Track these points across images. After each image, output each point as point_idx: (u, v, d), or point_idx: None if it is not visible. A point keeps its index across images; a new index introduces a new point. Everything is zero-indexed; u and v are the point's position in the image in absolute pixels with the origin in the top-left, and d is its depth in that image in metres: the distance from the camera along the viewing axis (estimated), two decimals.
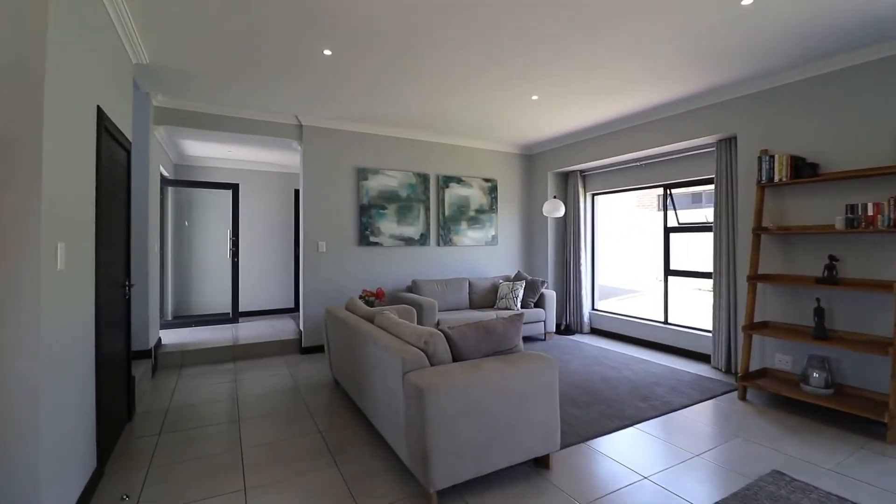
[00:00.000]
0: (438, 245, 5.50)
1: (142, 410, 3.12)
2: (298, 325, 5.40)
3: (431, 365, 2.17)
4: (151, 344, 3.97)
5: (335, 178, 4.86)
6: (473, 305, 5.31)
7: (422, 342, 2.22)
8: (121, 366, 2.77)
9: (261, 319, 6.10)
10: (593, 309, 5.88)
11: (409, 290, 5.15)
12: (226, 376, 3.93)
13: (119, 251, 2.72)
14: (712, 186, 4.30)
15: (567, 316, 5.89)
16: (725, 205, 4.09)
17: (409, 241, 5.26)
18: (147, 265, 3.87)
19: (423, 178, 5.37)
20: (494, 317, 4.82)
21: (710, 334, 4.40)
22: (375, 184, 5.06)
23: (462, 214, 5.66)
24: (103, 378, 2.31)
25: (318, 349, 4.76)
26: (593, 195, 5.95)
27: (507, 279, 5.61)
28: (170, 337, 4.87)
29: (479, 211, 5.80)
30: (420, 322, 4.33)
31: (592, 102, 4.18)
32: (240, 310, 6.05)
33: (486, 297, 5.37)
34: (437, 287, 5.10)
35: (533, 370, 2.25)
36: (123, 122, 2.80)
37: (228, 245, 5.66)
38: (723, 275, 4.10)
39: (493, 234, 5.91)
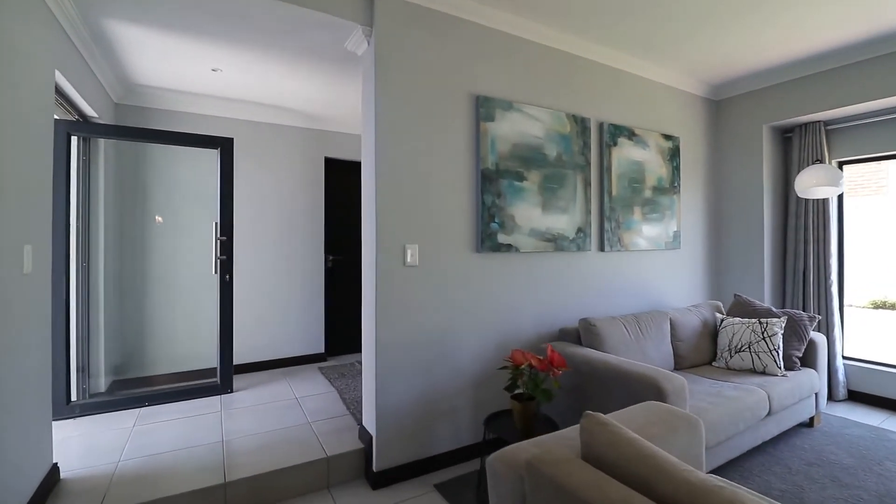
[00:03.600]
0: (602, 249, 3.01)
1: None
2: (356, 417, 2.89)
3: None
4: None
5: (435, 110, 2.36)
6: (682, 363, 2.83)
7: None
8: None
9: (272, 380, 3.55)
10: (843, 356, 3.45)
11: (576, 338, 2.64)
12: None
13: None
14: None
15: None
16: None
17: (557, 242, 2.78)
18: None
19: (582, 127, 2.90)
20: (764, 396, 2.36)
21: None
22: (508, 129, 2.57)
23: (635, 195, 3.19)
24: None
25: (406, 473, 2.24)
26: (839, 163, 3.52)
27: (716, 309, 3.15)
28: (91, 444, 2.32)
29: (658, 189, 3.34)
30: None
31: None
32: (235, 362, 3.51)
33: (699, 348, 2.90)
34: (629, 331, 2.61)
35: None
36: None
37: (214, 250, 3.11)
38: None
39: (675, 229, 3.45)
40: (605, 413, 2.06)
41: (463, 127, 2.44)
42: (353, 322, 4.32)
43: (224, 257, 3.10)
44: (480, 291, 2.49)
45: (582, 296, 2.92)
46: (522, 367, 2.00)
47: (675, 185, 3.43)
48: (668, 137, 3.38)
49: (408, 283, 2.26)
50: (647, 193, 3.25)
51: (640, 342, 2.62)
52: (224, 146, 3.11)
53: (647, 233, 3.24)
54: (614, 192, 3.05)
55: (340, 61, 2.73)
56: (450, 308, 2.39)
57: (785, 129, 3.66)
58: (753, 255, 3.58)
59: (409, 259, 2.26)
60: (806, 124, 3.47)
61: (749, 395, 2.32)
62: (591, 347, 2.49)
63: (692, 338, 2.90)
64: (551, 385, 2.04)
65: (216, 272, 3.08)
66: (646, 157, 3.24)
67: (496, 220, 2.51)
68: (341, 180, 4.30)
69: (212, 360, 3.33)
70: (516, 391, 2.05)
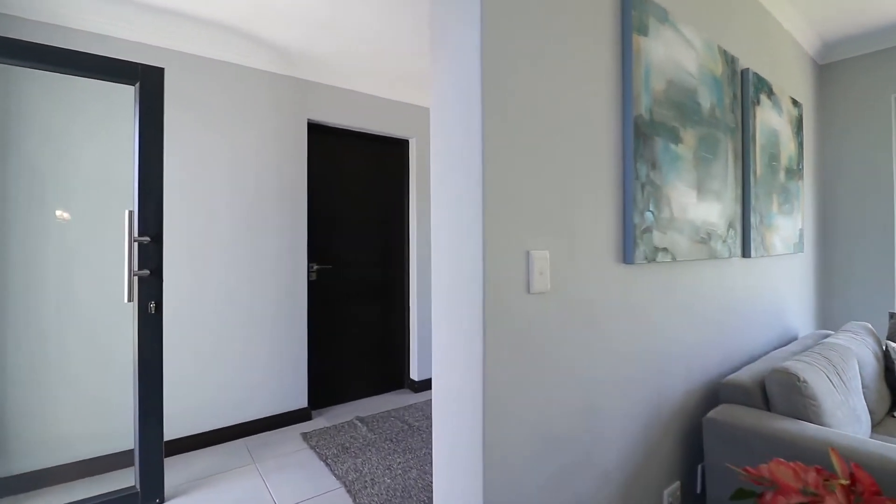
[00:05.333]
0: (746, 254, 2.06)
1: None
2: None
3: None
4: None
5: (566, 7, 1.27)
6: (873, 420, 1.95)
7: None
8: None
9: (231, 464, 2.26)
10: None
11: (758, 398, 1.63)
12: None
13: None
14: None
15: None
16: None
17: (710, 245, 1.78)
18: None
19: (732, 70, 1.92)
20: None
21: None
22: (662, 55, 1.53)
23: (773, 177, 2.28)
24: None
25: None
26: None
27: (872, 336, 2.32)
28: None
29: (789, 172, 2.45)
30: None
31: None
32: (172, 436, 2.19)
33: (880, 395, 2.04)
34: (832, 382, 1.66)
35: None
36: None
37: (129, 261, 1.79)
38: None
39: (800, 226, 2.59)
40: None
41: (603, 41, 1.37)
42: (345, 361, 3.10)
43: (146, 272, 1.80)
44: (628, 329, 1.44)
45: (727, 323, 1.95)
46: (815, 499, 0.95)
47: (801, 166, 2.58)
48: (795, 103, 2.51)
49: (537, 326, 1.15)
50: (782, 176, 2.36)
51: (850, 400, 1.69)
52: (147, 79, 1.80)
53: (782, 230, 2.35)
54: (758, 172, 2.12)
55: None
56: (597, 365, 1.31)
57: None
58: (880, 260, 2.81)
59: (535, 285, 1.15)
60: None
61: None
62: (794, 417, 1.51)
63: (874, 381, 2.02)
64: None
65: (131, 298, 1.77)
66: (780, 127, 2.34)
67: (651, 208, 1.46)
68: (331, 156, 3.06)
69: (125, 439, 2.02)
70: None
